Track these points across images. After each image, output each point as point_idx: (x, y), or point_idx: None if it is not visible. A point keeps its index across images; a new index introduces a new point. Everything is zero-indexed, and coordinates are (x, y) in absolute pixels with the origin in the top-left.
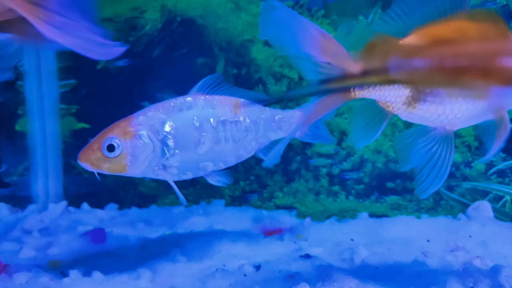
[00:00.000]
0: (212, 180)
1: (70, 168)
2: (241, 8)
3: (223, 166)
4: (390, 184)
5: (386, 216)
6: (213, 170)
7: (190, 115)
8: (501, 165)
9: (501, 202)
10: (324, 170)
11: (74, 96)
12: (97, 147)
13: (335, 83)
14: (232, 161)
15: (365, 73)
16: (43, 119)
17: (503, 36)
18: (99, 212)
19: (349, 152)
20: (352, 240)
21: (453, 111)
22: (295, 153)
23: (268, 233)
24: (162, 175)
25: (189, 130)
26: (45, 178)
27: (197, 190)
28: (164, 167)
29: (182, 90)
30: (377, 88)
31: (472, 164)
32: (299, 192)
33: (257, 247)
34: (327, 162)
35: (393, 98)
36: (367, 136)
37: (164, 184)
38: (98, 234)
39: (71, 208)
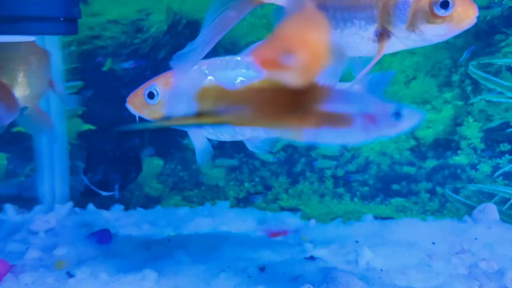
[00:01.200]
0: (250, 146)
1: (76, 169)
2: None
3: (263, 135)
4: (395, 186)
5: (391, 218)
6: (252, 137)
7: (233, 75)
8: (507, 168)
9: (507, 205)
10: (329, 172)
11: (80, 97)
12: (141, 92)
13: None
14: (262, 134)
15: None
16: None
17: None
18: (104, 213)
19: (354, 154)
20: (357, 242)
21: None
22: (300, 155)
23: (273, 234)
24: (196, 131)
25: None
26: (52, 179)
27: (202, 191)
28: None
29: None
30: None
31: (478, 167)
32: (304, 194)
33: (261, 249)
34: (332, 164)
35: None
36: None
37: (169, 186)
38: (103, 235)
39: (77, 209)
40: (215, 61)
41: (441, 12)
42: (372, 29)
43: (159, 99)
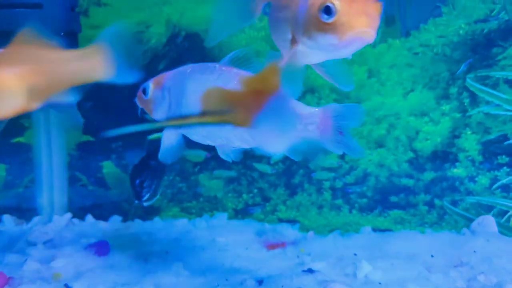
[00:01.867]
0: (220, 153)
1: (75, 180)
2: None
3: (234, 144)
4: (393, 198)
5: (389, 230)
6: (226, 144)
7: (211, 79)
8: (505, 180)
9: (505, 217)
10: (327, 184)
11: (79, 109)
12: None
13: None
14: (235, 141)
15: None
16: (49, 132)
17: None
18: (103, 224)
19: (352, 165)
20: (355, 255)
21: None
22: (298, 166)
23: (271, 246)
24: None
25: None
26: (50, 190)
27: (200, 203)
28: None
29: None
30: None
31: (476, 179)
32: (302, 205)
33: (259, 261)
34: (330, 175)
35: None
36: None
37: (167, 197)
38: (102, 247)
39: (75, 220)
40: (198, 66)
41: (324, 18)
42: (289, 36)
43: (150, 96)
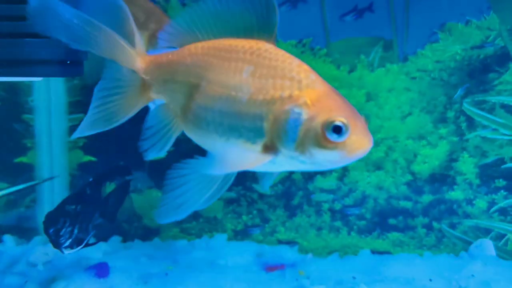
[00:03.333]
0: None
1: None
2: None
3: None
4: (392, 221)
5: (388, 253)
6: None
7: None
8: (502, 203)
9: (503, 240)
10: (326, 206)
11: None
12: None
13: None
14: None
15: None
16: (51, 152)
17: None
18: (102, 245)
19: (351, 187)
20: (354, 278)
21: (220, 129)
22: (297, 188)
23: (270, 269)
24: None
25: None
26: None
27: (200, 223)
28: None
29: None
30: (162, 87)
31: (474, 202)
32: (301, 227)
33: (258, 284)
34: (329, 197)
35: (173, 101)
36: (157, 147)
37: None
38: (101, 269)
39: None
40: None
41: (333, 137)
42: (260, 142)
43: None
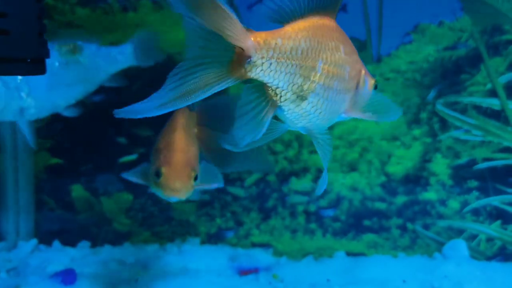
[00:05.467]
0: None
1: (42, 204)
2: None
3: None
4: (366, 222)
5: (363, 254)
6: None
7: None
8: (475, 204)
9: (475, 241)
10: (300, 208)
11: (49, 130)
12: None
13: None
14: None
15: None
16: (16, 155)
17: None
18: (70, 251)
19: (325, 189)
20: (328, 280)
21: (329, 110)
22: (272, 190)
23: (244, 272)
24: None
25: None
26: (16, 215)
27: (172, 227)
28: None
29: (158, 126)
30: (272, 67)
31: (446, 202)
32: (276, 229)
33: None
34: (304, 199)
35: (286, 83)
36: (253, 131)
37: (138, 221)
38: (68, 275)
39: (42, 246)
40: None
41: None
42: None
43: None
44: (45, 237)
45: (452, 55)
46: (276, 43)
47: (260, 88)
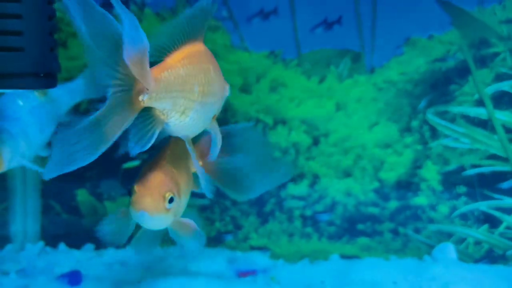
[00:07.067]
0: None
1: (48, 208)
2: (219, 56)
3: None
4: (360, 226)
5: (357, 257)
6: None
7: None
8: (463, 208)
9: (464, 244)
10: (297, 212)
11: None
12: None
13: None
14: None
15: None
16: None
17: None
18: (75, 253)
19: (321, 194)
20: (322, 282)
21: (203, 120)
22: (270, 195)
23: (242, 274)
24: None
25: None
26: (24, 218)
27: None
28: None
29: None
30: (161, 96)
31: (436, 207)
32: (273, 233)
33: None
34: (300, 204)
35: (171, 106)
36: (141, 142)
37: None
38: (74, 277)
39: (48, 249)
40: None
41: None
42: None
43: None
44: (51, 240)
45: (442, 66)
46: (164, 76)
47: (149, 109)
